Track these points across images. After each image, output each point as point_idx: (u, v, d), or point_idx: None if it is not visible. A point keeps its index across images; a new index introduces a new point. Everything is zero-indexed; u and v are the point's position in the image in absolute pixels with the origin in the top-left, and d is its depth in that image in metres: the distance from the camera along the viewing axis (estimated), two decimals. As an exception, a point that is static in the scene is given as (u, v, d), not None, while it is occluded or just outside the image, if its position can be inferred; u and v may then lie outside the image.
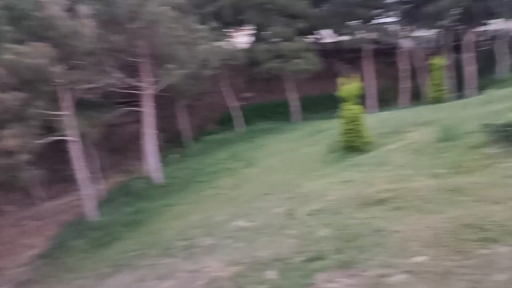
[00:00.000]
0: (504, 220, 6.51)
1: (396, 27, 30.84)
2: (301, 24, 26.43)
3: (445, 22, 30.19)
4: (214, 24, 21.88)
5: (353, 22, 28.75)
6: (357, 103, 14.94)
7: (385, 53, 34.57)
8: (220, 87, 26.87)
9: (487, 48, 38.41)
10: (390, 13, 30.83)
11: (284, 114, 27.66)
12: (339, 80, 15.48)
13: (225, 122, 28.02)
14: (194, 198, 15.96)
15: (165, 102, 22.44)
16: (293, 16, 26.57)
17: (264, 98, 30.30)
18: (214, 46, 21.14)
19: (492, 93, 18.68)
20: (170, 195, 16.85)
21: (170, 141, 25.02)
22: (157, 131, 19.78)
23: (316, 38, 35.13)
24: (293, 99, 27.88)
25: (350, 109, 14.62)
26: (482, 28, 38.95)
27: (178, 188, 17.55)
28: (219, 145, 22.96)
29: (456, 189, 8.43)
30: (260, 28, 26.99)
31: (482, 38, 41.20)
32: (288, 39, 25.36)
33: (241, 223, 10.63)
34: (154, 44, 17.57)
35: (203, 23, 20.75)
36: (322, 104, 28.13)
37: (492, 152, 9.84)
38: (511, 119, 9.94)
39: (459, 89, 29.56)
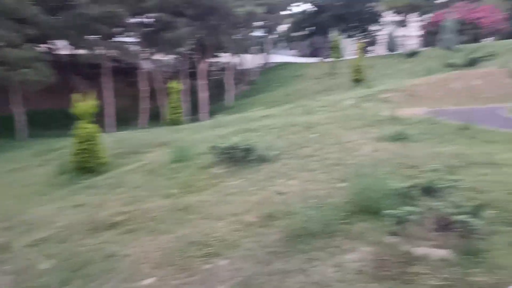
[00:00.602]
0: (225, 234, 7.07)
1: (137, 48, 31.44)
2: (31, 31, 23.79)
3: (182, 50, 32.60)
4: None
5: (92, 37, 27.76)
6: (93, 122, 14.25)
7: (126, 72, 34.62)
8: None
9: (218, 77, 43.31)
10: (131, 33, 31.23)
11: (7, 130, 24.16)
12: (74, 95, 14.48)
13: None
14: None
15: None
16: (22, 21, 23.69)
17: (-18, 110, 25.84)
18: None
19: (220, 118, 20.86)
20: None
21: None
22: None
23: (50, 48, 32.39)
24: (19, 113, 24.66)
25: (85, 127, 13.80)
26: (214, 59, 43.80)
27: None
28: None
29: (186, 208, 8.78)
30: (-22, 28, 23.00)
31: (214, 68, 46.29)
32: (14, 45, 22.38)
33: None
34: None
35: None
36: (55, 121, 25.95)
37: (218, 172, 10.77)
38: (234, 143, 11.11)
39: (194, 113, 32.18)
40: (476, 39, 41.76)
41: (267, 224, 7.20)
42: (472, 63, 27.66)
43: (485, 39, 45.09)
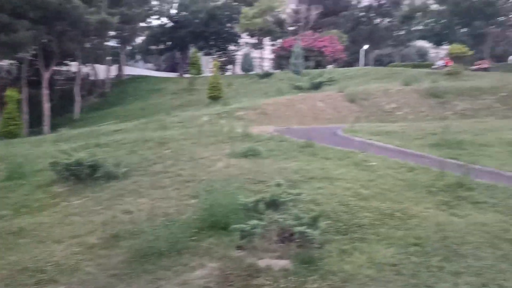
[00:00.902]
0: (62, 259, 6.44)
1: (-34, 50, 27.44)
2: None
3: (23, 55, 29.39)
4: None
5: None
6: None
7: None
8: None
9: (66, 87, 40.16)
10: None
11: None
12: None
13: None
14: None
15: None
16: None
17: None
18: None
19: (65, 132, 19.28)
20: None
21: None
22: None
23: None
24: None
25: None
26: (62, 68, 40.54)
27: None
28: None
29: (18, 231, 7.85)
30: None
31: (62, 77, 42.84)
32: None
33: None
34: None
35: None
36: None
37: (59, 191, 9.88)
38: (78, 158, 10.30)
39: (36, 125, 29.14)
40: (320, 65, 46.26)
41: (111, 245, 6.77)
42: (316, 86, 30.43)
43: (328, 66, 50.31)
